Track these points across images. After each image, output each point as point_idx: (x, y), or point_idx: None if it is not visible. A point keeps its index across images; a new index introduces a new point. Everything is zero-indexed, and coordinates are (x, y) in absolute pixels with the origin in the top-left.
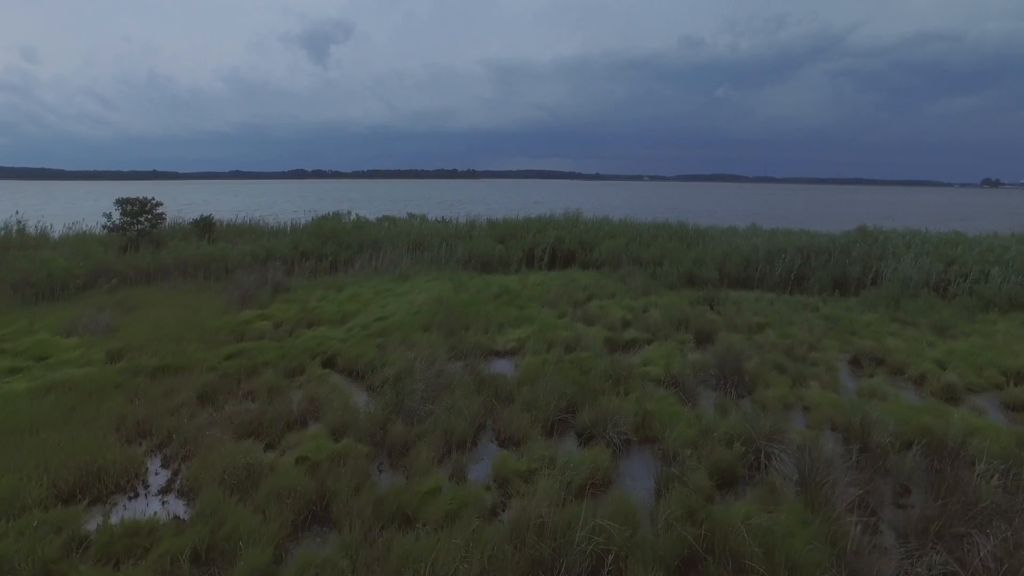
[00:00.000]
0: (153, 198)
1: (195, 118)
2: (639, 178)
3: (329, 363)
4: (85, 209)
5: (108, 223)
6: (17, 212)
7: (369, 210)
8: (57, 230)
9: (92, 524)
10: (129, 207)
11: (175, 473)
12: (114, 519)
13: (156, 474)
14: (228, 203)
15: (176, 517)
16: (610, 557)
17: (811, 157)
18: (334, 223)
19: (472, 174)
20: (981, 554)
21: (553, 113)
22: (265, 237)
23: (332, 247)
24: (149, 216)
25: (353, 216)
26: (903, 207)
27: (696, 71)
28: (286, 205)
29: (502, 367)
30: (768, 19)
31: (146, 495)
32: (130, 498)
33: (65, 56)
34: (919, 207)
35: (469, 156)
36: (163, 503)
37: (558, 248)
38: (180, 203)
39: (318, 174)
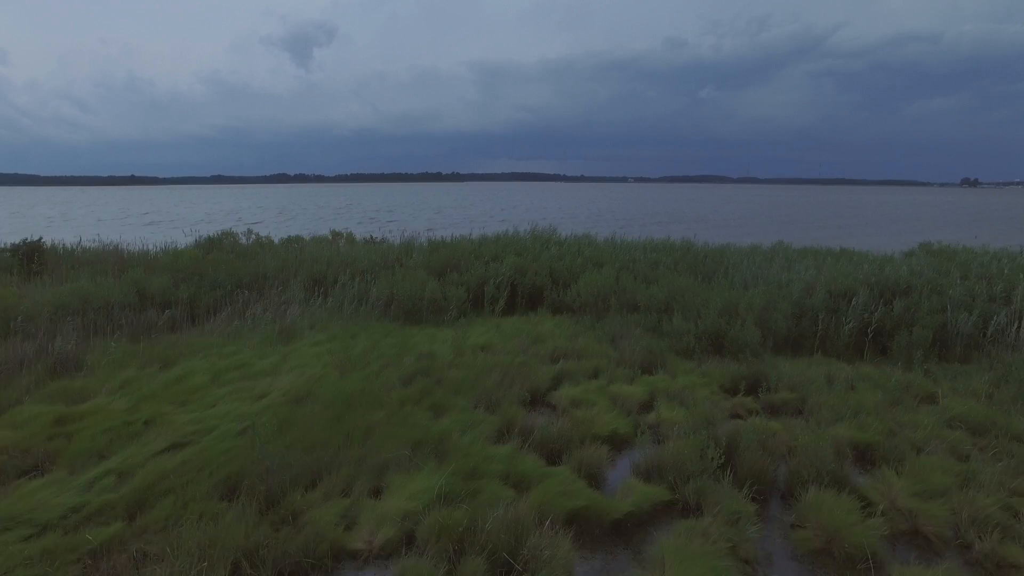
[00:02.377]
0: None
1: (175, 121)
2: (624, 179)
3: None
4: None
5: None
6: None
7: (321, 221)
8: None
9: None
10: None
11: None
12: None
13: None
14: (178, 211)
15: None
16: None
17: (793, 157)
18: (195, 253)
19: (456, 177)
20: None
21: (538, 115)
22: (84, 275)
23: (188, 289)
24: None
25: (253, 237)
26: (913, 208)
27: (679, 72)
28: (243, 213)
29: None
30: (751, 20)
31: None
32: None
33: (39, 58)
34: (941, 209)
35: (453, 159)
36: None
37: (519, 283)
38: (136, 212)
39: (300, 178)
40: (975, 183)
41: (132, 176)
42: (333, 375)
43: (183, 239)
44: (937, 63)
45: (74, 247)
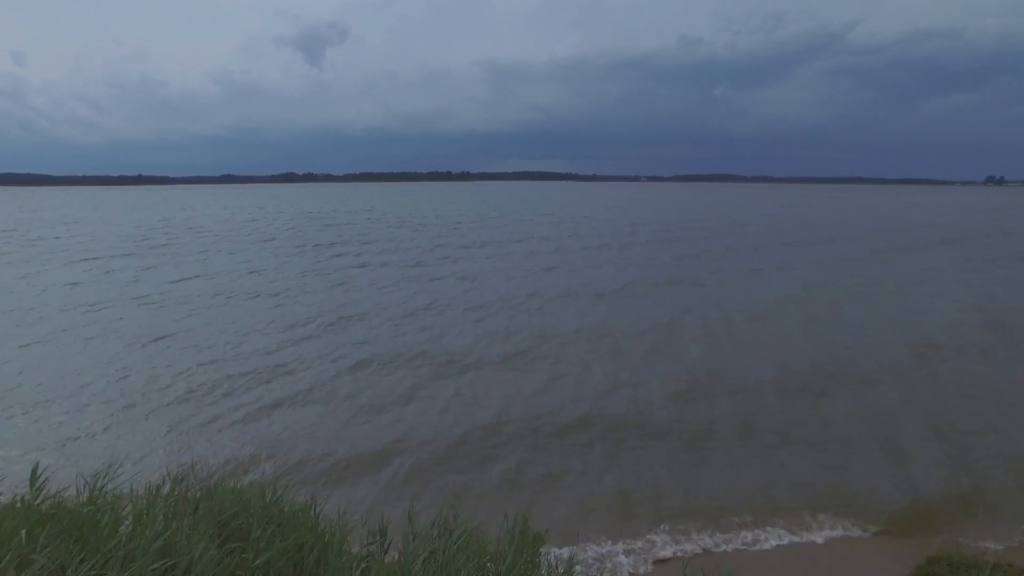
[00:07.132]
0: None
1: (186, 122)
2: (636, 179)
3: None
4: None
5: None
6: None
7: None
8: None
9: None
10: None
11: None
12: None
13: None
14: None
15: None
16: None
17: (809, 156)
18: None
19: (466, 176)
20: None
21: (548, 114)
22: None
23: None
24: None
25: None
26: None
27: (693, 70)
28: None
29: None
30: (766, 17)
31: None
32: None
33: (55, 60)
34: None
35: (463, 158)
36: None
37: None
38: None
39: (309, 177)
40: (1000, 181)
41: (140, 176)
42: None
43: None
44: (956, 59)
45: None
